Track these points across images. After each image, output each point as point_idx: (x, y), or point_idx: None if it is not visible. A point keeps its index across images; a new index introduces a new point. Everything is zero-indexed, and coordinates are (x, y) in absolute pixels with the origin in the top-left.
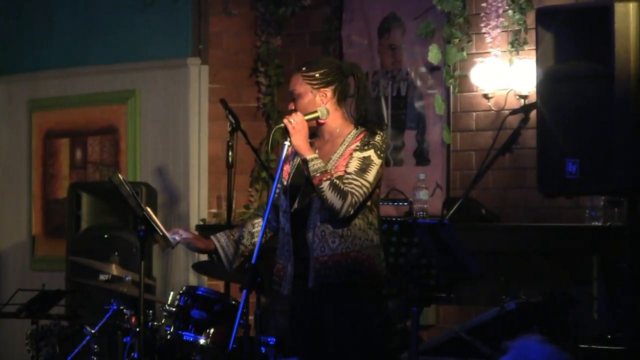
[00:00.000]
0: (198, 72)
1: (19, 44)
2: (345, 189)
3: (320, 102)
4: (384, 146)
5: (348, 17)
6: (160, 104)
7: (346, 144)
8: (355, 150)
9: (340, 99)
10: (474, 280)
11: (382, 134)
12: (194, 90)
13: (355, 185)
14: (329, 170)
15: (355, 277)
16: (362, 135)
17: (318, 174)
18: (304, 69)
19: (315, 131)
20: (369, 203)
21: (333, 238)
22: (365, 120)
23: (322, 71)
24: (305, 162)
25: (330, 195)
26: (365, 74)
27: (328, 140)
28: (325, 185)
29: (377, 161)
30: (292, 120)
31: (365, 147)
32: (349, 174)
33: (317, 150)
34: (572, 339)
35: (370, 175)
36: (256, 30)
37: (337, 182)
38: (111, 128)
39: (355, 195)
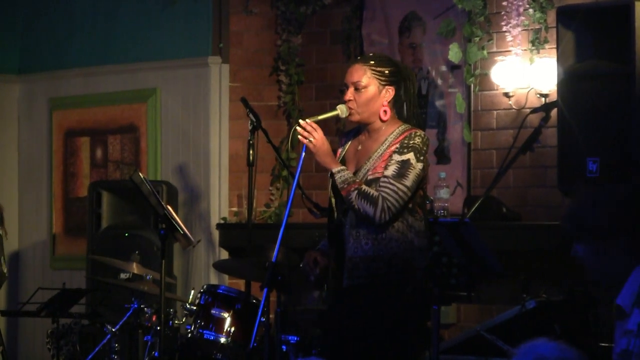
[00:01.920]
0: (219, 70)
1: (40, 42)
2: (376, 194)
3: (383, 98)
4: (425, 148)
5: (368, 16)
6: (181, 103)
7: (387, 144)
8: (394, 152)
9: (397, 100)
10: (495, 279)
11: (422, 135)
12: (215, 89)
13: (390, 189)
14: (357, 179)
15: (389, 280)
16: (402, 136)
17: (346, 185)
18: (372, 62)
19: (362, 127)
20: (410, 205)
21: (367, 240)
22: (415, 123)
23: (391, 69)
24: (331, 175)
25: (360, 204)
26: None
27: (371, 137)
28: (353, 195)
29: (416, 164)
30: (311, 140)
31: (405, 150)
32: (385, 177)
33: (359, 147)
34: (592, 337)
35: (408, 180)
36: (277, 29)
37: (366, 189)
38: (132, 127)
39: (388, 200)
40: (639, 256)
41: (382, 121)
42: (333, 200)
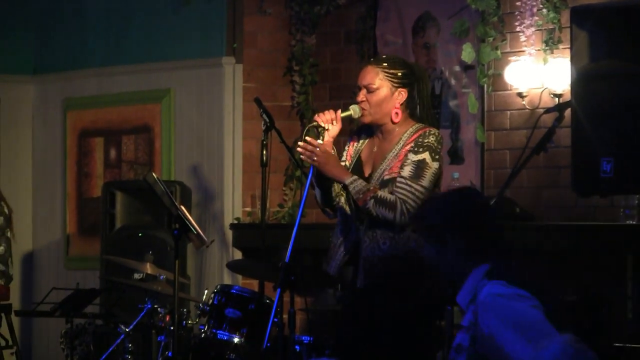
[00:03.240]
0: (232, 71)
1: (54, 43)
2: (393, 197)
3: (396, 100)
4: (440, 146)
5: (382, 16)
6: (195, 103)
7: (402, 143)
8: (409, 151)
9: (410, 101)
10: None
11: (436, 133)
12: (229, 89)
13: (407, 191)
14: (372, 185)
15: (406, 279)
16: (416, 135)
17: (361, 195)
18: (384, 64)
19: (375, 129)
20: None
21: (384, 239)
22: (429, 123)
23: (404, 71)
24: (345, 187)
25: (379, 211)
26: None
27: (386, 138)
28: (370, 204)
29: (432, 164)
30: (314, 159)
31: (420, 149)
32: (402, 177)
33: (375, 149)
34: (606, 337)
35: (425, 180)
36: (290, 29)
37: (381, 195)
38: (146, 127)
39: (407, 202)
40: (476, 257)
41: (394, 123)
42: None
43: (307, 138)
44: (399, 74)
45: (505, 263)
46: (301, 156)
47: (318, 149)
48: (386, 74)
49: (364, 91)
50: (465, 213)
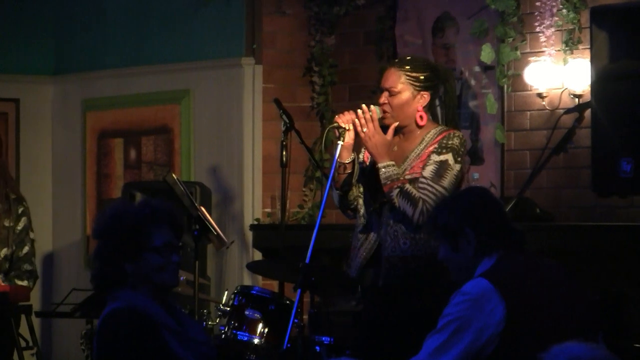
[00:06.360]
0: (252, 71)
1: (74, 44)
2: (417, 195)
3: (418, 103)
4: (463, 149)
5: (402, 17)
6: (214, 104)
7: (424, 144)
8: (432, 152)
9: (432, 103)
10: None
11: (461, 136)
12: (248, 90)
13: (429, 191)
14: (401, 176)
15: (426, 280)
16: (441, 136)
17: (389, 182)
18: (407, 67)
19: (397, 129)
20: None
21: (404, 239)
22: (454, 125)
23: (427, 74)
24: (377, 168)
25: (401, 203)
26: None
27: (407, 139)
28: (395, 192)
29: (454, 166)
30: (364, 130)
31: (443, 150)
32: (424, 178)
33: (395, 148)
34: (626, 337)
35: (446, 181)
36: (310, 30)
37: (409, 188)
38: (165, 128)
39: (428, 202)
40: (486, 252)
41: (419, 126)
42: (361, 195)
43: (372, 107)
44: (422, 77)
45: (512, 258)
46: (354, 120)
47: (371, 124)
48: (408, 78)
49: (385, 94)
50: (477, 210)
